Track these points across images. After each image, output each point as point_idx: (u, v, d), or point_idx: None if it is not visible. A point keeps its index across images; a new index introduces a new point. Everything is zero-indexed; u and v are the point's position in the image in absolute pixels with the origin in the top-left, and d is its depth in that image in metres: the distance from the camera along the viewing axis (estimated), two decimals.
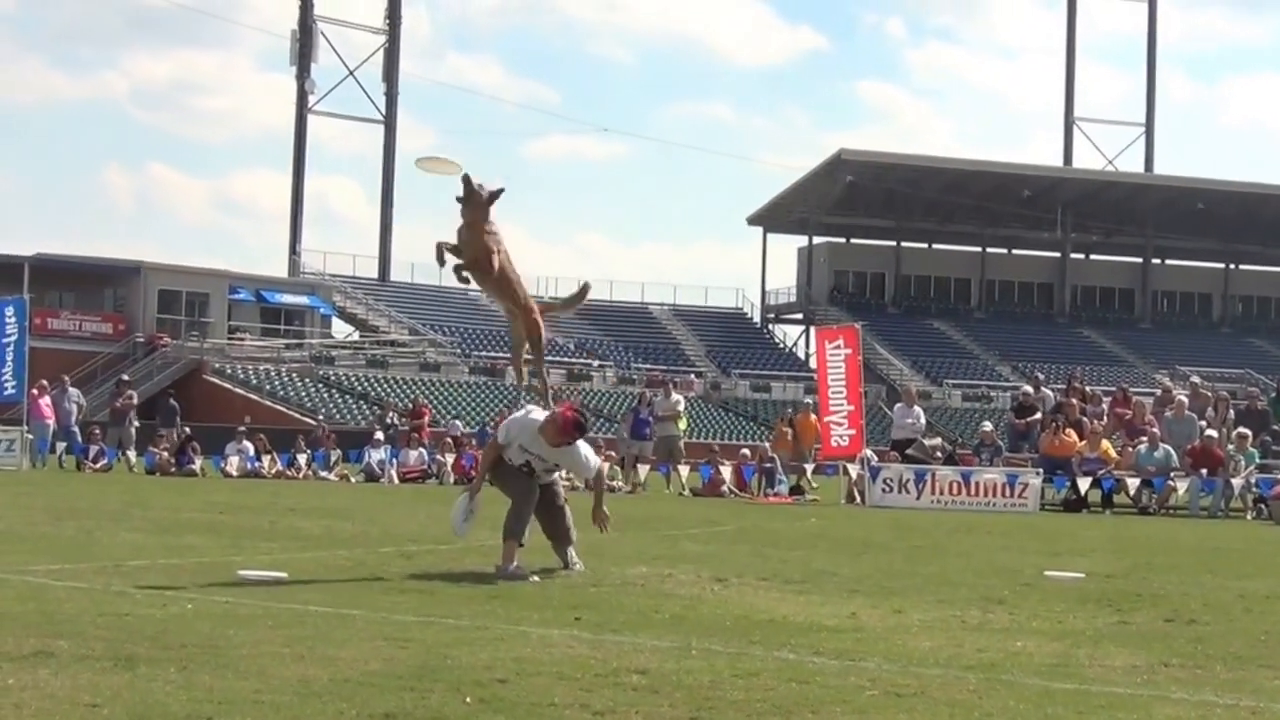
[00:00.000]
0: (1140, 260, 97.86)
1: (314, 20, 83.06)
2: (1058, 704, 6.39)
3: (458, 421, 44.00)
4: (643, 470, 31.92)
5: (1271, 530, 22.60)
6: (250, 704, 5.81)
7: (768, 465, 30.60)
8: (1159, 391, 31.71)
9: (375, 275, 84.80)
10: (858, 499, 27.12)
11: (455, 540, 12.27)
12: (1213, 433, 27.00)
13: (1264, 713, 6.34)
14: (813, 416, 30.81)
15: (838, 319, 71.99)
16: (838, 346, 28.90)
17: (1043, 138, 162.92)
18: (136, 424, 36.75)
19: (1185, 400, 28.83)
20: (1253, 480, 26.07)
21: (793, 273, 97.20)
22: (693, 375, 78.67)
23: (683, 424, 33.55)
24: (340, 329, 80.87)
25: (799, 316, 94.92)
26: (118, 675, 6.32)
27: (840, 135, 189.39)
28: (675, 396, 33.69)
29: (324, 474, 33.97)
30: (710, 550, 14.70)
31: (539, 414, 11.45)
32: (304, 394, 65.67)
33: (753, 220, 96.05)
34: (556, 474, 11.82)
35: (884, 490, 26.75)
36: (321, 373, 69.23)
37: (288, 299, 75.94)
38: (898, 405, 30.69)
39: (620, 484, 31.37)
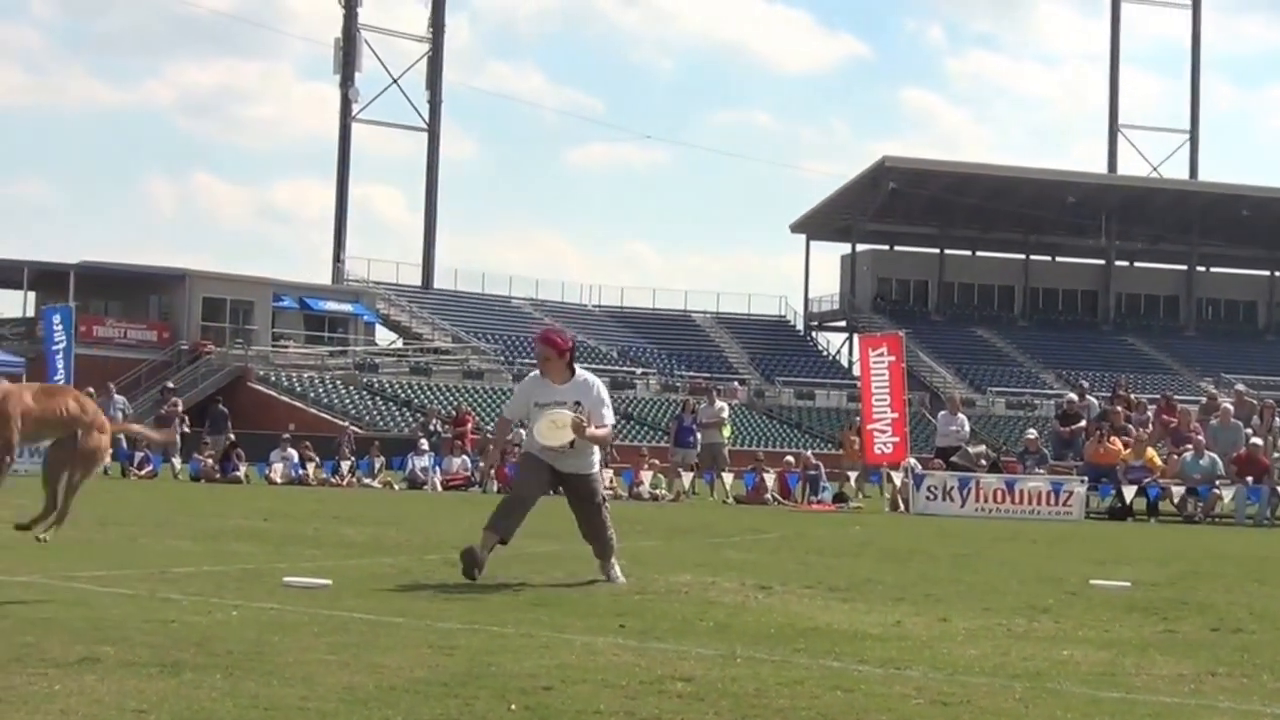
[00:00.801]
0: (1185, 267, 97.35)
1: (358, 28, 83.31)
2: (1104, 713, 6.36)
3: None
4: (686, 478, 31.92)
5: None
6: (296, 711, 5.83)
7: (811, 472, 30.56)
8: (1204, 399, 31.48)
9: (419, 283, 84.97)
10: (902, 507, 27.05)
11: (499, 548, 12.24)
12: (1258, 440, 26.83)
13: None
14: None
15: (881, 326, 71.95)
16: (881, 354, 28.83)
17: (1085, 145, 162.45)
18: (187, 429, 36.90)
19: (1230, 408, 28.66)
20: None
21: (836, 280, 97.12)
22: (736, 383, 78.57)
23: (727, 431, 33.52)
24: (384, 336, 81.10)
25: (842, 324, 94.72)
26: (163, 681, 6.35)
27: (881, 143, 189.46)
28: (719, 404, 33.67)
29: (368, 481, 34.10)
30: (754, 558, 14.68)
31: (535, 372, 11.46)
32: (348, 401, 65.82)
33: (795, 228, 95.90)
34: (594, 460, 11.37)
35: (928, 498, 26.68)
36: (365, 380, 69.36)
37: (332, 306, 76.15)
38: (942, 413, 30.59)
39: (664, 492, 31.41)
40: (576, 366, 11.23)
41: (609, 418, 11.26)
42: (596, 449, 11.38)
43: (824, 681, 6.89)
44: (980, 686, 6.94)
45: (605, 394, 11.22)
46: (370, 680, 6.51)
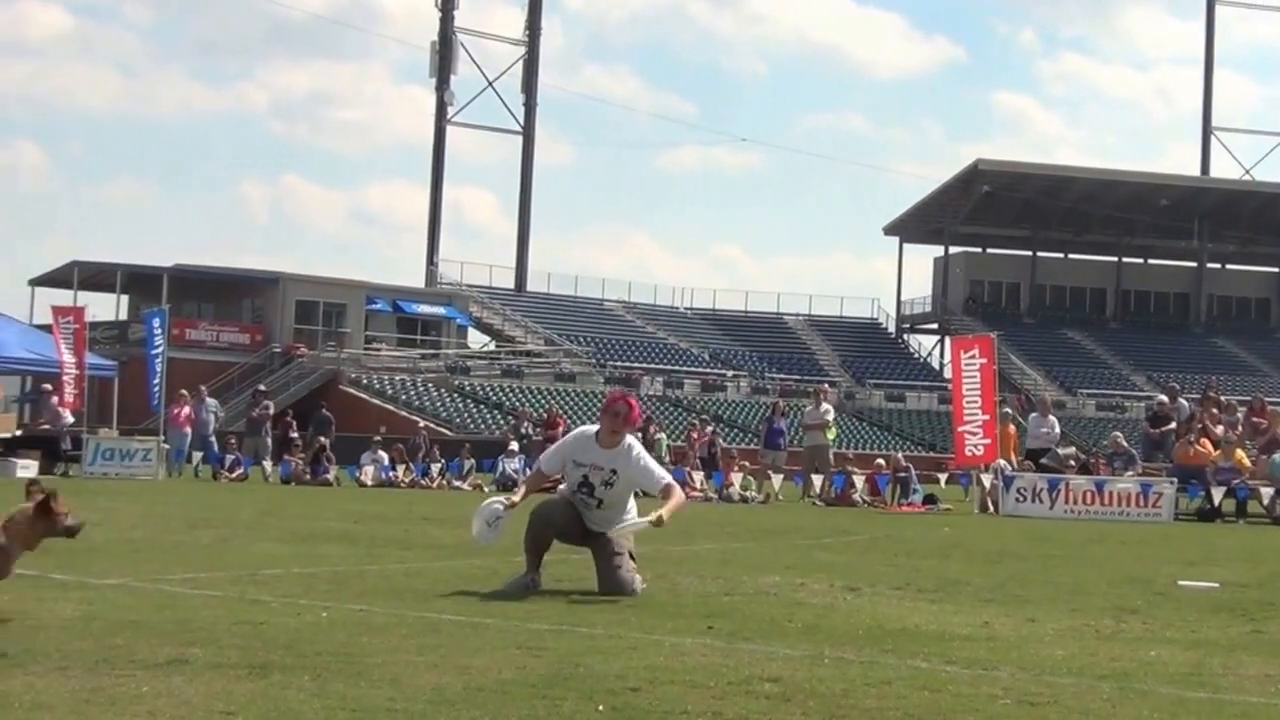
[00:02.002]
0: (1277, 270, 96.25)
1: (454, 31, 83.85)
2: (1191, 713, 6.34)
3: None
4: (777, 480, 31.89)
5: None
6: (384, 712, 5.87)
7: (902, 474, 30.46)
8: None
9: (511, 285, 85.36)
10: (991, 508, 26.92)
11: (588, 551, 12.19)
12: None
13: None
14: (1011, 426, 30.09)
15: (972, 329, 71.57)
16: (973, 356, 28.68)
17: (1177, 148, 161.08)
18: (293, 434, 37.24)
19: None
20: None
21: (928, 283, 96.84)
22: (827, 385, 78.32)
23: (831, 434, 33.33)
24: (476, 339, 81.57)
25: (934, 326, 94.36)
26: (252, 683, 6.40)
27: (974, 146, 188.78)
28: (825, 406, 33.48)
29: (457, 484, 34.29)
30: (843, 559, 14.68)
31: (591, 426, 11.11)
32: (439, 404, 66.16)
33: (889, 230, 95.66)
34: (628, 518, 10.77)
35: (1018, 499, 26.54)
36: (456, 382, 69.70)
37: (424, 309, 76.61)
38: (1032, 415, 30.40)
39: (754, 494, 31.41)
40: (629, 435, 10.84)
41: (660, 476, 10.93)
42: (632, 508, 10.93)
43: (911, 682, 6.89)
44: (1067, 687, 6.92)
45: (647, 456, 10.86)
46: (458, 681, 6.56)
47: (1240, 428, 28.54)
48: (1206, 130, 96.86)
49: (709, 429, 40.48)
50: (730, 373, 79.10)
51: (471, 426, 61.60)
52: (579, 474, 10.63)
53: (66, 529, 8.29)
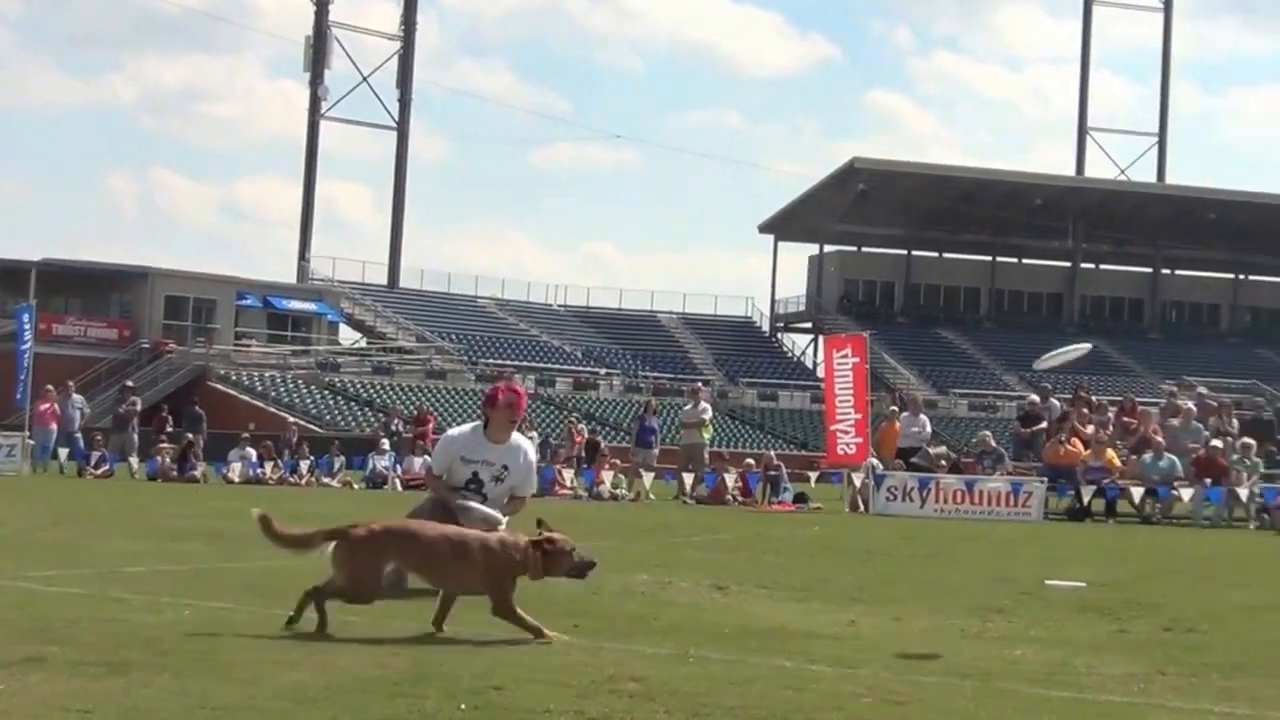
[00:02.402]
0: (1150, 270, 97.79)
1: (329, 26, 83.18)
2: (1053, 712, 6.39)
3: None
4: (647, 479, 31.89)
5: (1274, 540, 22.61)
6: (244, 710, 5.80)
7: (772, 473, 30.57)
8: (1165, 401, 31.60)
9: (384, 282, 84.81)
10: (862, 507, 27.07)
11: None
12: (1218, 442, 26.96)
13: None
14: (897, 424, 30.31)
15: (846, 328, 71.97)
16: (845, 355, 28.81)
17: (1052, 147, 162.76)
18: (169, 429, 36.76)
19: (1193, 409, 28.78)
20: (1257, 490, 26.08)
21: (802, 281, 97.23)
22: (700, 383, 78.47)
23: (708, 433, 33.34)
24: (348, 336, 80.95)
25: (808, 325, 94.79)
26: (110, 681, 6.30)
27: (849, 144, 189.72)
28: (703, 405, 33.48)
29: (327, 480, 34.02)
30: (711, 558, 14.67)
31: (467, 425, 11.06)
32: (310, 401, 65.64)
33: (764, 228, 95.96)
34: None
35: (888, 498, 26.70)
36: (327, 380, 69.20)
37: (295, 305, 75.91)
38: (904, 414, 30.60)
39: (625, 492, 31.40)
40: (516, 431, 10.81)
41: (532, 487, 11.05)
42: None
43: (775, 680, 6.89)
44: (930, 686, 6.95)
45: (534, 460, 10.89)
46: (318, 679, 6.48)
47: (1110, 427, 28.89)
48: (1082, 130, 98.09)
49: (581, 426, 40.47)
50: (603, 371, 79.11)
51: (342, 424, 61.16)
52: (468, 470, 10.52)
53: None
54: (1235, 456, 26.88)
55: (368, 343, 79.00)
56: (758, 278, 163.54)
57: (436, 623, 8.21)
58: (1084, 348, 10.29)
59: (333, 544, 8.28)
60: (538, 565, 8.17)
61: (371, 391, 68.32)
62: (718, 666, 7.26)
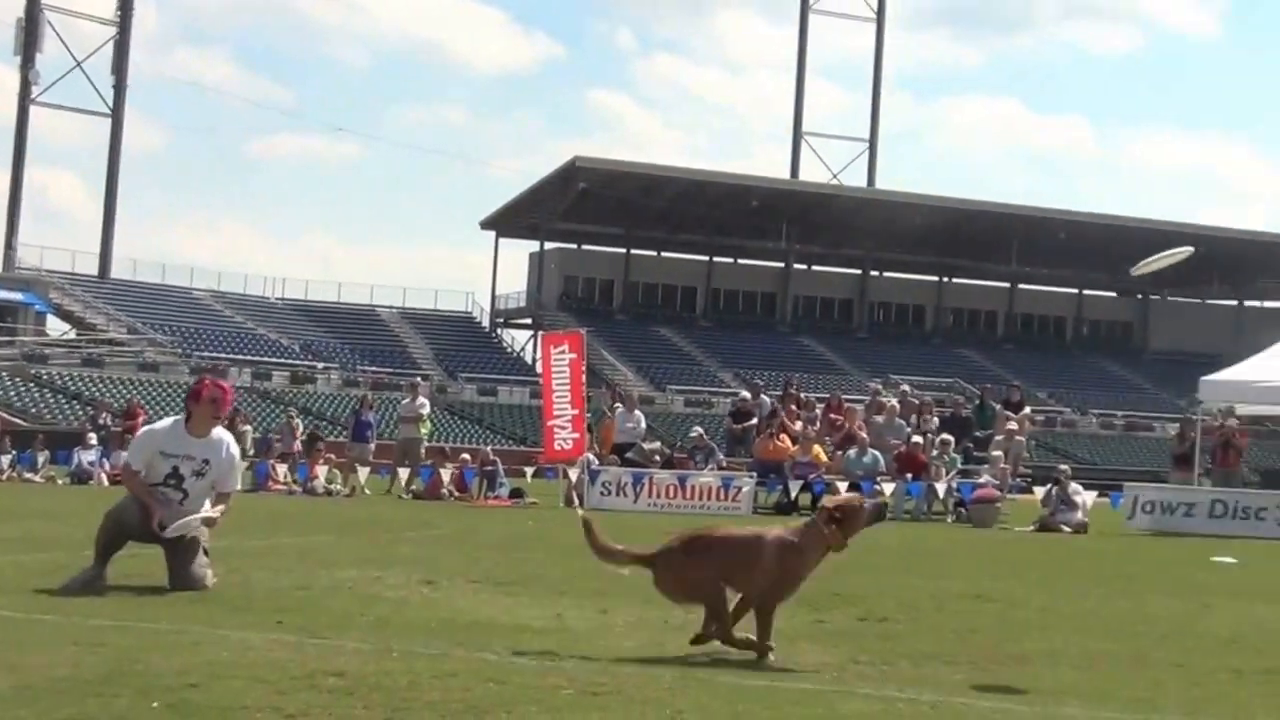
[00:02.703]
0: (860, 272, 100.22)
1: (41, 8, 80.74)
2: (749, 700, 6.53)
3: None
4: (363, 473, 31.67)
5: (969, 533, 23.46)
6: None
7: (489, 468, 30.60)
8: (869, 399, 32.49)
9: (95, 272, 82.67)
10: (577, 502, 27.22)
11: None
12: (918, 439, 27.79)
13: (943, 707, 6.56)
14: (612, 419, 30.31)
15: (566, 324, 72.45)
16: (563, 351, 28.95)
17: (769, 151, 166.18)
18: None
19: (896, 406, 29.61)
20: (954, 485, 26.99)
21: (523, 278, 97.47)
22: (419, 378, 78.12)
23: (425, 428, 33.19)
24: (56, 326, 78.76)
25: (528, 321, 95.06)
26: None
27: (573, 142, 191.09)
28: (421, 400, 33.29)
29: (30, 476, 33.09)
30: (424, 553, 14.63)
31: (168, 419, 10.88)
32: (14, 393, 63.69)
33: (485, 224, 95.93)
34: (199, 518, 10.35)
35: (603, 493, 26.97)
36: (34, 371, 67.22)
37: (1, 295, 73.60)
38: (619, 410, 30.93)
39: (339, 487, 31.15)
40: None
41: (235, 482, 10.94)
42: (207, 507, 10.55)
43: (478, 674, 6.91)
44: (632, 676, 7.04)
45: (237, 455, 10.76)
46: (7, 680, 6.32)
47: (818, 424, 29.57)
48: (797, 135, 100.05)
49: (297, 421, 40.00)
50: (321, 364, 78.29)
51: (48, 417, 59.50)
52: (167, 465, 10.32)
53: None
54: (934, 453, 27.77)
55: (77, 334, 76.93)
56: (479, 274, 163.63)
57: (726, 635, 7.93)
58: (1186, 250, 10.50)
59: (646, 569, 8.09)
60: (837, 535, 8.08)
61: (80, 384, 66.62)
62: (421, 661, 7.25)
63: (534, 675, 6.97)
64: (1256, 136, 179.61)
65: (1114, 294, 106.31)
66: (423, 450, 32.43)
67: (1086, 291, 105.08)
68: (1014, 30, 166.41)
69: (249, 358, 76.11)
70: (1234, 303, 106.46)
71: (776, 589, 8.01)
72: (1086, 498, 25.92)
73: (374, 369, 78.03)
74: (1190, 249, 10.47)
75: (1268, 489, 24.61)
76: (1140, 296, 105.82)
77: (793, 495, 26.97)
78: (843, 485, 27.07)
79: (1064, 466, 28.38)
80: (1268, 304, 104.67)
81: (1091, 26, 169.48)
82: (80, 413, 58.32)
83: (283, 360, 77.91)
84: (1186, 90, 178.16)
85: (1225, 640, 9.46)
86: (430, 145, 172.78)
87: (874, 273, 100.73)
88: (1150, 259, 10.54)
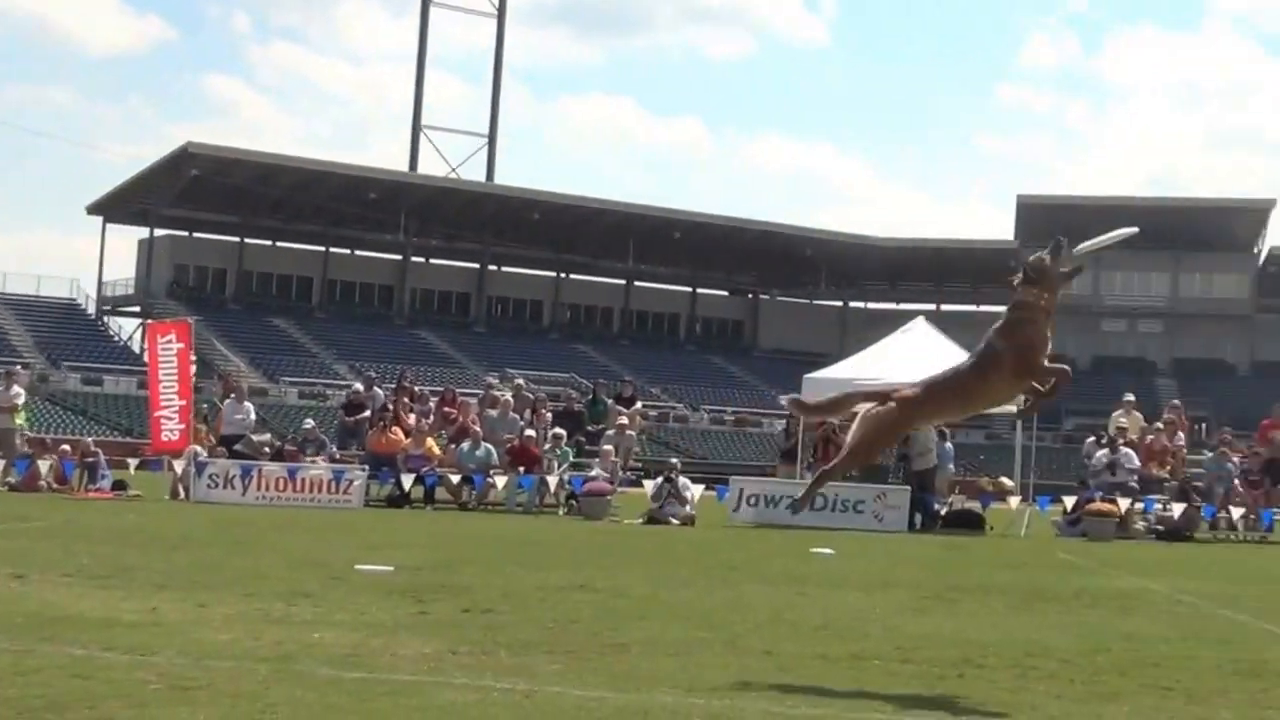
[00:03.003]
0: (478, 266, 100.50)
1: None
2: (343, 692, 6.51)
3: None
4: None
5: (580, 525, 23.79)
6: None
7: (90, 460, 29.68)
8: (483, 392, 32.60)
9: None
10: (183, 494, 26.67)
11: None
12: (531, 432, 28.03)
13: (537, 695, 6.65)
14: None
15: (176, 313, 70.58)
16: (170, 341, 28.39)
17: (388, 143, 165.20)
18: None
19: (510, 400, 29.80)
20: (566, 478, 27.33)
21: (132, 265, 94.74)
22: (19, 366, 75.23)
23: (21, 418, 31.88)
24: None
25: (137, 309, 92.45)
26: None
27: (186, 127, 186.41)
28: (16, 389, 31.88)
29: None
30: (17, 546, 14.14)
31: None
32: None
33: (92, 209, 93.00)
34: None
35: (209, 486, 26.44)
36: None
37: None
38: (227, 401, 30.36)
39: None
40: None
41: None
42: None
43: (64, 669, 6.74)
44: (225, 670, 6.95)
45: None
46: None
47: (432, 417, 29.55)
48: (416, 128, 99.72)
49: None
50: None
51: None
52: None
53: None
54: (547, 446, 28.05)
55: None
56: (86, 260, 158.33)
57: None
58: (1129, 231, 10.48)
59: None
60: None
61: None
62: (5, 658, 7.03)
63: (123, 670, 6.82)
64: (864, 143, 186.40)
65: (726, 293, 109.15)
66: (19, 440, 31.22)
67: (700, 290, 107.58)
68: (632, 31, 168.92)
69: None
70: (839, 304, 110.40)
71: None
72: (694, 491, 26.54)
73: None
74: (1135, 229, 10.88)
75: (867, 483, 25.53)
76: (751, 296, 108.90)
77: (406, 488, 26.90)
78: (455, 478, 27.24)
79: (674, 460, 29.06)
80: (871, 305, 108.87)
81: (707, 31, 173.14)
82: None
83: None
84: (797, 96, 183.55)
85: (815, 627, 9.82)
86: (36, 126, 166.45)
87: (492, 267, 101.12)
88: (1095, 240, 10.91)
